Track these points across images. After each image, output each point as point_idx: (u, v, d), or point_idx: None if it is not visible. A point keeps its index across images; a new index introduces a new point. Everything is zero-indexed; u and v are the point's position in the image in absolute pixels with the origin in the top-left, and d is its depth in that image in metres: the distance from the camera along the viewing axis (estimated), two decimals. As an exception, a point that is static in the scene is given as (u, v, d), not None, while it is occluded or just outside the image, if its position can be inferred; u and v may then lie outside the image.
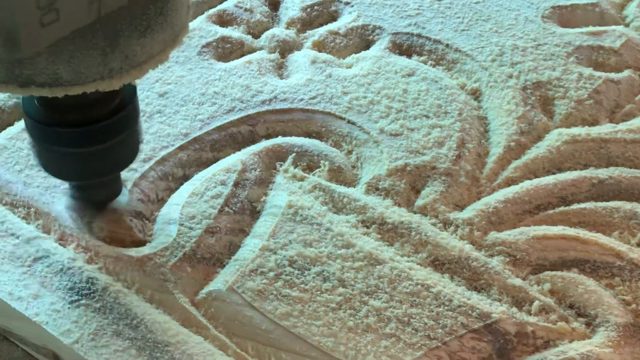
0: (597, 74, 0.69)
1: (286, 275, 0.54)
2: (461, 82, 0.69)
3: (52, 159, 0.53)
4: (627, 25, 0.75)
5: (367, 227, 0.58)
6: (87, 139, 0.51)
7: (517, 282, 0.54)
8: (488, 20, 0.74)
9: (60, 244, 0.56)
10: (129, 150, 0.55)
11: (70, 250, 0.55)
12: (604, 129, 0.64)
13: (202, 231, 0.57)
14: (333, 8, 0.77)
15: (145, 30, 0.46)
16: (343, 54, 0.72)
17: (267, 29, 0.75)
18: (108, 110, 0.51)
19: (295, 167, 0.62)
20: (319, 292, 0.53)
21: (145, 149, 0.62)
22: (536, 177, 0.61)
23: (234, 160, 0.62)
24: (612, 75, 0.69)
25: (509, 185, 0.61)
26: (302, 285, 0.54)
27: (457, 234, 0.57)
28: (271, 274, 0.54)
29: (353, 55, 0.72)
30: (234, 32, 0.74)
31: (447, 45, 0.71)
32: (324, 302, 0.53)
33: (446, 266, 0.55)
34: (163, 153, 0.62)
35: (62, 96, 0.46)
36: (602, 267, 0.56)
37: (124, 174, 0.59)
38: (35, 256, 0.55)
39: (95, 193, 0.58)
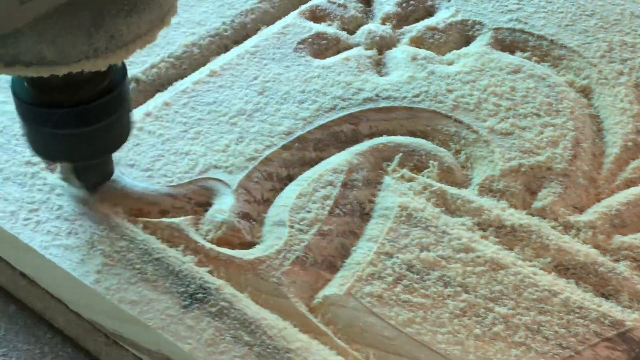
0: None
1: (406, 280, 0.52)
2: (569, 79, 0.66)
3: (41, 140, 0.53)
4: None
5: (484, 230, 0.56)
6: (76, 120, 0.51)
7: (648, 288, 0.52)
8: (592, 16, 0.71)
9: (168, 246, 0.54)
10: (119, 133, 0.54)
11: (179, 251, 0.54)
12: None
13: (313, 234, 0.55)
14: (429, 3, 0.75)
15: (132, 9, 0.45)
16: (442, 50, 0.70)
17: (362, 24, 0.73)
18: (97, 91, 0.50)
19: (402, 168, 0.60)
20: (441, 298, 0.51)
21: (248, 148, 0.60)
22: (657, 179, 0.59)
23: (340, 160, 0.60)
24: None
25: (629, 186, 0.58)
26: (423, 291, 0.52)
27: (579, 238, 0.55)
28: (389, 278, 0.52)
29: (453, 51, 0.69)
30: (329, 28, 0.72)
31: (552, 41, 0.69)
32: (447, 309, 0.51)
33: (571, 271, 0.53)
34: (267, 152, 0.60)
35: (50, 76, 0.45)
36: None
37: (227, 177, 0.58)
38: (145, 258, 0.53)
39: (87, 175, 0.57)
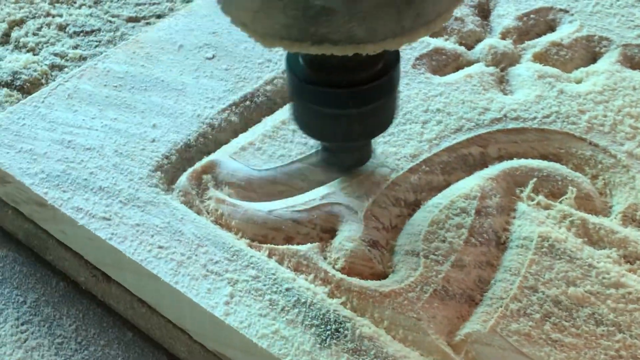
0: None
1: (554, 317, 0.49)
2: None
3: (311, 118, 0.53)
4: None
5: (631, 264, 0.52)
6: (349, 101, 0.51)
7: None
8: None
9: (297, 275, 0.52)
10: (386, 117, 0.54)
11: (308, 281, 0.51)
12: None
13: (450, 264, 0.52)
14: (550, 17, 0.71)
15: None
16: (568, 68, 0.67)
17: (480, 39, 0.70)
18: (372, 73, 0.50)
19: (537, 194, 0.57)
20: (594, 338, 0.48)
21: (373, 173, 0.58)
22: None
23: (471, 185, 0.57)
24: None
25: None
26: (574, 330, 0.48)
27: None
28: (537, 315, 0.49)
29: (581, 69, 0.66)
30: (447, 44, 0.69)
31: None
32: (601, 349, 0.48)
33: None
34: (393, 176, 0.58)
35: (330, 56, 0.45)
36: None
37: (353, 202, 0.55)
38: (274, 288, 0.51)
39: (344, 157, 0.58)
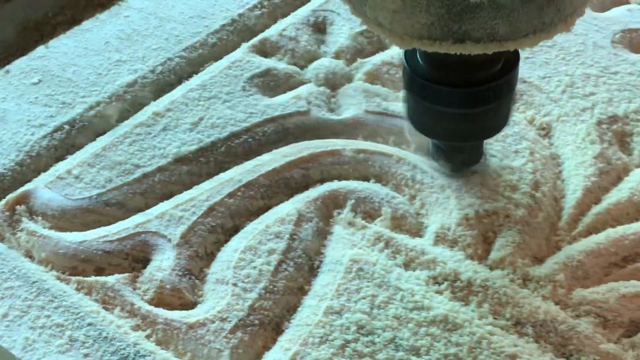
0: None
1: (354, 342, 0.49)
2: (529, 116, 0.63)
3: (427, 116, 0.54)
4: None
5: (439, 284, 0.52)
6: (467, 101, 0.51)
7: (611, 347, 0.49)
8: (553, 47, 0.68)
9: (104, 308, 0.51)
10: (500, 119, 0.55)
11: (114, 315, 0.50)
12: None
13: (258, 292, 0.52)
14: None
15: None
16: (398, 86, 0.67)
17: (314, 59, 0.69)
18: (491, 74, 0.51)
19: (354, 215, 0.57)
20: (391, 364, 0.48)
21: (193, 196, 0.57)
22: (619, 224, 0.56)
23: (288, 208, 0.57)
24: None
25: (590, 233, 0.55)
26: (372, 356, 0.48)
27: (539, 292, 0.52)
28: (337, 342, 0.49)
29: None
30: (279, 64, 0.68)
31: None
32: (398, 376, 0.48)
33: (530, 329, 0.50)
34: (211, 201, 0.57)
35: (448, 55, 0.46)
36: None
37: (167, 229, 0.55)
38: (76, 324, 0.50)
39: (454, 156, 0.58)
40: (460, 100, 0.52)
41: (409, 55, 0.52)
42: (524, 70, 0.65)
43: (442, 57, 0.47)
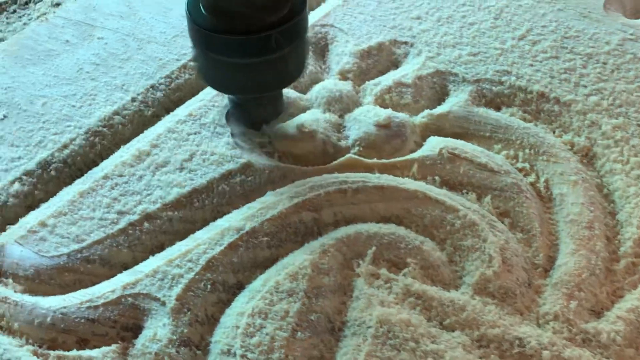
0: None
1: None
2: (568, 139, 0.56)
3: (215, 69, 0.51)
4: None
5: (485, 347, 0.45)
6: (253, 49, 0.49)
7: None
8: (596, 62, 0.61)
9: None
10: (294, 65, 0.53)
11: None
12: None
13: (272, 365, 0.44)
14: (394, 51, 0.64)
15: None
16: (413, 109, 0.59)
17: (317, 81, 0.61)
18: (276, 19, 0.49)
19: (377, 266, 0.49)
20: None
21: (188, 249, 0.49)
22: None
23: (300, 260, 0.49)
24: None
25: (655, 276, 0.48)
26: None
27: (598, 353, 0.44)
28: None
29: (426, 111, 0.58)
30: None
31: (543, 94, 0.58)
32: None
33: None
34: (209, 254, 0.49)
35: (229, 3, 0.46)
36: None
37: (160, 291, 0.46)
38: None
39: (255, 111, 0.56)
40: (245, 49, 0.50)
41: (192, 6, 0.50)
42: (559, 89, 0.58)
43: (223, 3, 0.47)
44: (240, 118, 0.56)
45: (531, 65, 0.60)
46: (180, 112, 0.59)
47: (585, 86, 0.59)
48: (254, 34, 0.48)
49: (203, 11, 0.49)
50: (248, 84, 0.52)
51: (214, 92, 0.59)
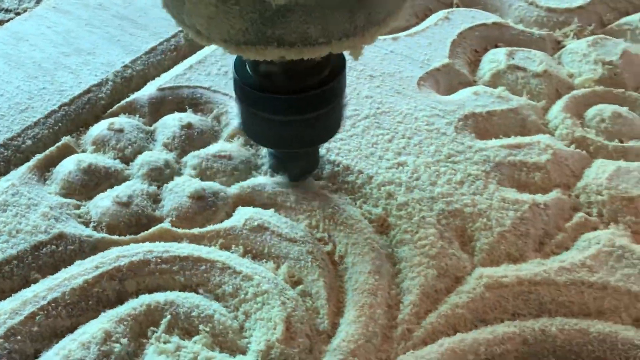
0: (522, 196, 0.60)
1: None
2: (365, 210, 0.59)
3: (260, 125, 0.55)
4: (552, 134, 0.66)
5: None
6: (294, 107, 0.53)
7: None
8: (396, 136, 0.64)
9: None
10: (331, 124, 0.56)
11: None
12: (533, 268, 0.55)
13: None
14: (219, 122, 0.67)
15: None
16: (229, 181, 0.62)
17: (142, 151, 0.64)
18: (317, 80, 0.53)
19: (171, 334, 0.51)
20: None
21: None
22: (457, 331, 0.52)
23: (94, 329, 0.51)
24: (539, 197, 0.60)
25: (426, 344, 0.51)
26: None
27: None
28: None
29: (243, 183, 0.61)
30: (102, 159, 0.63)
31: (347, 167, 0.62)
32: None
33: None
34: (10, 322, 0.51)
35: (272, 62, 0.49)
36: None
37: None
38: None
39: (291, 165, 0.58)
40: (287, 107, 0.53)
41: (239, 65, 0.54)
42: (362, 162, 0.61)
43: (267, 64, 0.50)
44: (280, 169, 0.60)
45: (341, 139, 0.64)
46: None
47: (388, 160, 0.62)
48: (295, 94, 0.52)
49: (249, 70, 0.53)
50: (288, 140, 0.55)
51: (32, 164, 0.62)
